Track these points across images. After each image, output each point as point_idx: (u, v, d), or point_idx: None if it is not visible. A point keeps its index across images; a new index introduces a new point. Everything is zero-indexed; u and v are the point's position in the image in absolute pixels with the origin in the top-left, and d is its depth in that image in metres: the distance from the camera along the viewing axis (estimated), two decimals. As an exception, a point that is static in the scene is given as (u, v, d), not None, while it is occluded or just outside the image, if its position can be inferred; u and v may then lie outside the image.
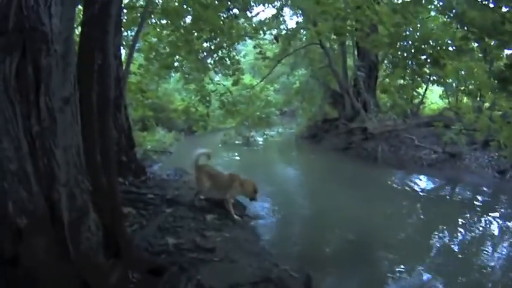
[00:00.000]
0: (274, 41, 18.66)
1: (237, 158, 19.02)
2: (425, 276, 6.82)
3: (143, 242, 5.70)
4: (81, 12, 4.77)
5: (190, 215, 7.42)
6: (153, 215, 6.99)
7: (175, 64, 15.72)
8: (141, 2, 13.60)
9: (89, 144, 3.99)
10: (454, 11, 6.46)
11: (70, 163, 3.57)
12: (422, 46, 7.90)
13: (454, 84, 17.19)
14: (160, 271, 4.60)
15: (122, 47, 10.74)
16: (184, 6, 12.70)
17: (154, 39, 14.65)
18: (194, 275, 4.78)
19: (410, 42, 8.26)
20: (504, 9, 5.71)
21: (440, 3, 6.92)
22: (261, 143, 22.37)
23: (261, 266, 5.54)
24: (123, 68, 9.72)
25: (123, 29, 10.86)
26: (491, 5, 5.63)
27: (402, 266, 7.09)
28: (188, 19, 13.71)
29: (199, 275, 4.79)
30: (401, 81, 10.31)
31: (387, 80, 15.63)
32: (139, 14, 12.11)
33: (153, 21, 13.88)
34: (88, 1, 4.39)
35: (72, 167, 3.60)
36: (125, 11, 12.33)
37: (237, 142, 21.55)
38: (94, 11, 4.28)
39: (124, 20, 11.92)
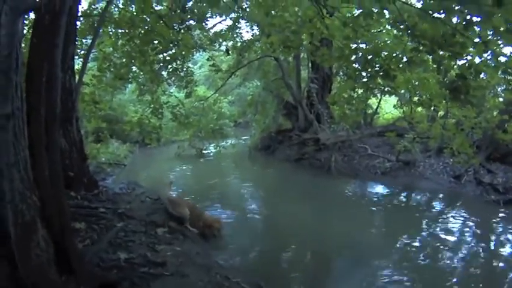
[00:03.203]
0: (226, 53, 18.66)
1: (191, 170, 18.99)
2: (385, 282, 6.92)
3: (95, 257, 5.60)
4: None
5: (142, 229, 7.34)
6: (105, 229, 6.85)
7: (130, 75, 15.55)
8: (99, 9, 13.44)
9: (37, 159, 3.92)
10: (405, 23, 6.59)
11: (15, 179, 3.49)
12: (374, 58, 8.04)
13: (406, 95, 17.54)
14: (112, 286, 4.55)
15: (76, 56, 10.56)
16: (141, 16, 12.59)
17: (109, 49, 14.47)
18: (146, 290, 4.74)
19: (361, 54, 8.38)
20: (454, 20, 5.86)
21: (392, 16, 7.04)
22: (214, 155, 22.34)
23: (212, 280, 5.53)
24: (76, 78, 9.55)
25: (77, 37, 10.68)
26: (442, 15, 5.76)
27: (361, 274, 7.20)
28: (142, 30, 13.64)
29: (150, 290, 4.76)
30: (353, 93, 10.46)
31: (335, 91, 15.83)
32: (95, 24, 11.97)
33: (109, 30, 13.70)
34: (38, 12, 4.33)
35: (18, 183, 3.52)
36: (81, 19, 12.18)
37: (191, 154, 21.45)
38: (44, 22, 4.22)
39: (80, 26, 11.78)
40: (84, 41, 13.50)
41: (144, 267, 5.47)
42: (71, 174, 8.55)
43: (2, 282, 3.38)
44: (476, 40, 5.81)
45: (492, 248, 8.77)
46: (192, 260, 6.28)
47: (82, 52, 12.76)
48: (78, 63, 11.01)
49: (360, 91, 10.71)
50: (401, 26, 6.78)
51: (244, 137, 26.88)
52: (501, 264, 7.79)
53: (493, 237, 9.34)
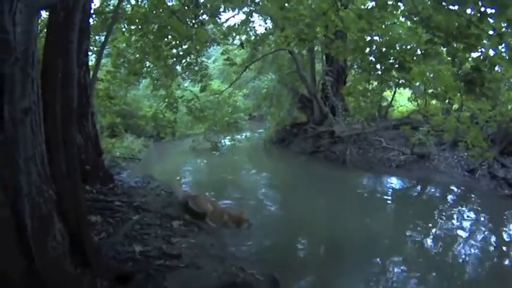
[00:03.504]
0: (241, 47, 18.65)
1: (205, 164, 19.05)
2: (399, 275, 6.96)
3: (110, 250, 5.67)
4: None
5: (157, 221, 7.42)
6: (120, 222, 6.94)
7: (144, 70, 15.62)
8: (111, 7, 13.51)
9: (53, 154, 3.98)
10: (420, 15, 6.56)
11: (33, 173, 3.54)
12: (388, 51, 8.01)
13: (421, 88, 17.43)
14: (127, 279, 4.60)
15: (89, 53, 10.64)
16: (154, 12, 12.64)
17: (123, 45, 14.53)
18: (161, 282, 4.80)
19: (376, 47, 8.34)
20: (468, 11, 5.83)
21: (407, 8, 7.01)
22: (229, 148, 22.37)
23: (227, 270, 5.59)
24: (91, 74, 9.64)
25: (91, 34, 10.76)
26: (456, 7, 5.74)
27: (375, 267, 7.22)
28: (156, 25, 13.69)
29: (165, 282, 4.81)
30: (367, 85, 10.42)
31: (350, 84, 15.77)
32: (108, 20, 12.04)
33: (122, 26, 13.76)
34: (53, 9, 4.38)
35: (35, 176, 3.58)
36: (94, 16, 12.26)
37: (205, 148, 21.50)
38: (58, 19, 4.27)
39: (93, 23, 11.85)
40: (97, 37, 13.60)
41: (159, 260, 5.54)
42: (87, 167, 8.66)
43: (17, 275, 3.44)
44: (491, 32, 5.78)
45: (505, 243, 8.71)
46: (207, 252, 6.35)
47: (96, 49, 12.85)
48: (92, 60, 11.10)
49: (375, 83, 10.68)
50: (416, 18, 6.76)
51: (259, 130, 26.88)
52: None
53: (506, 232, 9.28)
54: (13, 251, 3.41)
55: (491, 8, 5.30)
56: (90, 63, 10.06)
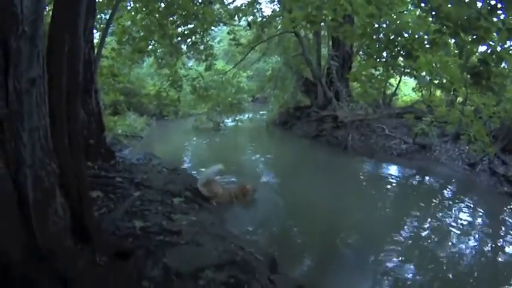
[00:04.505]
0: (248, 27, 18.60)
1: (207, 143, 19.10)
2: (394, 263, 7.00)
3: (111, 225, 5.70)
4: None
5: (158, 198, 7.46)
6: (121, 198, 6.98)
7: (149, 48, 15.61)
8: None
9: (57, 127, 3.98)
10: (429, 5, 6.52)
11: (36, 145, 3.56)
12: (396, 38, 7.98)
13: (427, 77, 17.40)
14: (127, 254, 4.63)
15: (94, 30, 10.63)
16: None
17: (128, 23, 14.50)
18: (160, 258, 4.83)
19: (383, 33, 8.31)
20: (479, 4, 5.80)
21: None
22: (232, 128, 22.39)
23: (227, 249, 5.60)
24: (95, 51, 9.64)
25: (96, 11, 10.73)
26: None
27: (371, 253, 7.26)
28: (163, 3, 13.64)
29: (165, 258, 4.83)
30: (374, 72, 10.40)
31: (356, 69, 15.73)
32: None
33: (128, 4, 13.72)
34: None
35: (38, 149, 3.58)
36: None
37: (208, 127, 21.53)
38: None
39: (99, 1, 11.81)
40: (102, 15, 13.55)
41: (159, 236, 5.57)
42: (91, 142, 8.70)
43: (17, 250, 3.47)
44: (500, 26, 5.75)
45: (501, 240, 8.71)
46: (207, 230, 6.38)
47: (101, 26, 12.83)
48: (96, 38, 11.10)
49: (381, 70, 10.66)
50: (426, 7, 6.72)
51: (262, 112, 26.90)
52: (508, 257, 7.78)
53: (502, 229, 9.26)
54: (14, 225, 3.43)
55: (502, 3, 5.28)
56: (95, 40, 10.06)
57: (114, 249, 4.51)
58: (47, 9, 7.17)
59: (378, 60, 8.85)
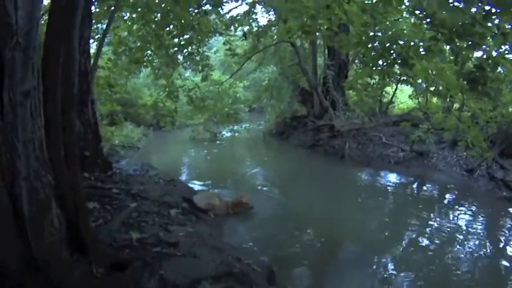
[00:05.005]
0: (244, 37, 18.65)
1: (204, 154, 19.09)
2: (393, 271, 6.97)
3: (107, 237, 5.67)
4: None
5: (155, 209, 7.43)
6: (118, 209, 6.94)
7: (145, 59, 15.62)
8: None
9: (52, 139, 3.97)
10: (424, 12, 6.53)
11: (31, 157, 3.54)
12: (391, 46, 7.99)
13: (423, 85, 17.46)
14: (123, 266, 4.60)
15: (91, 40, 10.63)
16: (156, 1, 12.62)
17: (125, 33, 14.52)
18: (157, 270, 4.80)
19: (379, 41, 8.32)
20: (473, 10, 5.81)
21: (411, 4, 6.99)
22: (228, 139, 22.39)
23: (224, 260, 5.57)
24: (92, 61, 9.63)
25: (93, 21, 10.73)
26: (461, 5, 5.72)
27: (370, 263, 7.23)
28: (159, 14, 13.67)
29: (162, 270, 4.80)
30: (369, 80, 10.43)
31: (352, 78, 15.77)
32: (112, 8, 12.00)
33: (124, 14, 13.74)
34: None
35: (33, 161, 3.57)
36: (96, 3, 12.22)
37: (205, 138, 21.54)
38: (61, 3, 4.25)
39: (96, 11, 11.82)
40: (99, 25, 13.57)
41: (156, 247, 5.54)
42: (86, 153, 8.67)
43: (14, 260, 3.45)
44: (495, 32, 5.76)
45: (500, 245, 8.70)
46: (205, 241, 6.34)
47: (97, 36, 12.84)
48: (93, 48, 11.10)
49: (377, 78, 10.67)
50: (420, 14, 6.74)
51: (259, 122, 26.90)
52: (507, 262, 7.75)
53: (501, 234, 9.25)
54: (10, 236, 3.42)
55: (496, 8, 5.28)
56: (91, 51, 10.06)
57: (111, 261, 4.49)
58: (43, 20, 7.16)
59: (374, 68, 8.88)
